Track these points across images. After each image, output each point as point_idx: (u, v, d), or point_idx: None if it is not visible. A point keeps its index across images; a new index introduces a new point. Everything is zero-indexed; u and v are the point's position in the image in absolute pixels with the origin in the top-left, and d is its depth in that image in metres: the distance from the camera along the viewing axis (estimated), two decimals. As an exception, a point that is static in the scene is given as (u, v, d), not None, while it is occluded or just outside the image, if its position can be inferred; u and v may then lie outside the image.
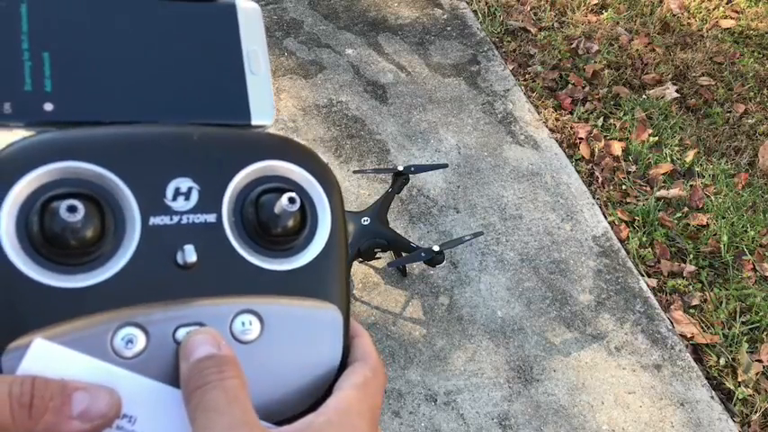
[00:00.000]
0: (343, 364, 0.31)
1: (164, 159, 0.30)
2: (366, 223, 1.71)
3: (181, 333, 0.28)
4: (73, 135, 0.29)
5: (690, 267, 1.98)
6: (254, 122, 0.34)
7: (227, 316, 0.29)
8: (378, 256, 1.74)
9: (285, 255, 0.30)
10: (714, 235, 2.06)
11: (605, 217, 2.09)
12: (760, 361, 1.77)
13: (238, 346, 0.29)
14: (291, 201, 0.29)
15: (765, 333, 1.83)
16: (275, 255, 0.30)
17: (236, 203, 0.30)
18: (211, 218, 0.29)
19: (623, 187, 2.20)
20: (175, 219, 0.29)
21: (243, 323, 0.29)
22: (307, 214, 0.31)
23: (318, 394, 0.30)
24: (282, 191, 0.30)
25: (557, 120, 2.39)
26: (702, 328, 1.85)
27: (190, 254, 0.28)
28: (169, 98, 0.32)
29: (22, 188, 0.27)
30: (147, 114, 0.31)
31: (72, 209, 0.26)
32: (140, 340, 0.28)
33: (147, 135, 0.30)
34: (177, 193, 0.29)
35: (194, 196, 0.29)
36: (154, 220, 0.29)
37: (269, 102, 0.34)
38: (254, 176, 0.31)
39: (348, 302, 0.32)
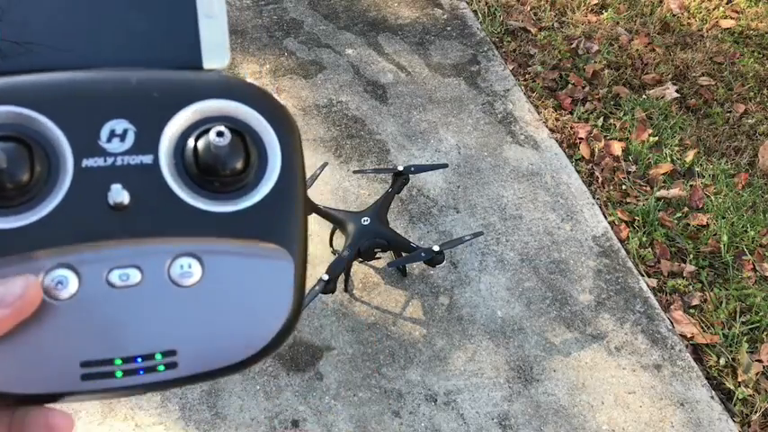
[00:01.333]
0: (298, 311, 0.30)
1: (99, 102, 0.29)
2: (366, 223, 1.71)
3: (114, 275, 0.27)
4: (4, 81, 0.29)
5: (690, 267, 1.98)
6: (205, 66, 0.32)
7: (163, 258, 0.28)
8: (378, 256, 1.74)
9: (230, 197, 0.29)
10: (714, 235, 2.06)
11: (605, 217, 2.09)
12: (760, 361, 1.77)
13: (178, 291, 0.28)
14: (219, 134, 0.28)
15: (765, 333, 1.83)
16: (219, 197, 0.29)
17: (177, 145, 0.29)
18: (147, 159, 0.29)
19: (623, 187, 2.20)
20: (109, 160, 0.28)
21: (182, 266, 0.28)
22: (251, 153, 0.30)
23: (261, 344, 0.29)
24: (222, 131, 0.29)
25: (557, 120, 2.39)
26: (702, 328, 1.85)
27: (118, 193, 0.28)
28: (117, 43, 0.31)
29: None
30: (94, 60, 0.31)
31: None
32: (72, 282, 0.27)
33: (83, 79, 0.30)
34: (112, 134, 0.29)
35: (130, 138, 0.29)
36: (87, 162, 0.28)
37: (222, 45, 0.33)
38: (197, 117, 0.30)
39: (304, 249, 0.31)
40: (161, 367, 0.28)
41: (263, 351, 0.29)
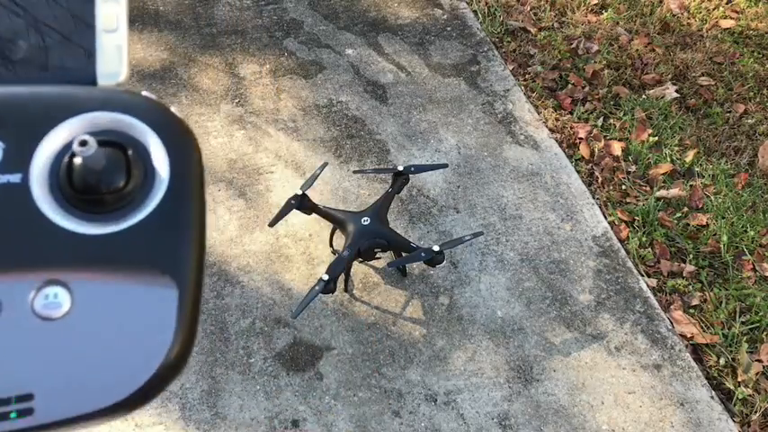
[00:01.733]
0: (186, 347, 0.26)
1: None
2: (366, 223, 1.71)
3: None
4: None
5: (690, 267, 1.98)
6: (100, 82, 0.30)
7: (27, 288, 0.25)
8: (378, 256, 1.74)
9: (110, 217, 0.26)
10: (714, 235, 2.06)
11: (605, 217, 2.09)
12: (760, 361, 1.77)
13: (42, 325, 0.25)
14: (83, 144, 0.25)
15: (765, 333, 1.83)
16: (97, 218, 0.26)
17: (54, 162, 0.27)
18: (15, 178, 0.26)
19: (623, 187, 2.20)
20: None
21: (47, 296, 0.25)
22: (134, 168, 0.27)
23: (134, 386, 0.25)
24: (101, 144, 0.26)
25: (557, 120, 2.39)
26: (702, 328, 1.85)
27: None
28: (15, 59, 0.29)
29: None
30: None
31: None
32: None
33: None
34: None
35: None
36: None
37: (120, 61, 0.31)
38: (76, 132, 0.27)
39: (196, 275, 0.27)
40: (13, 414, 0.25)
41: (138, 393, 0.25)
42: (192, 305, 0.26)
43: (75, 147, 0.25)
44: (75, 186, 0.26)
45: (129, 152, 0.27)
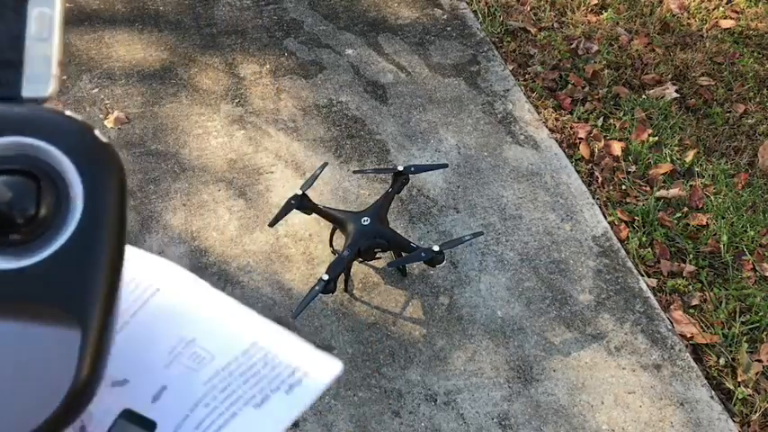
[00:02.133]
0: (89, 387, 0.25)
1: None
2: (366, 223, 1.71)
3: None
4: None
5: (690, 267, 1.98)
6: (24, 94, 0.28)
7: None
8: (378, 256, 1.74)
9: (15, 252, 0.25)
10: (714, 235, 2.06)
11: (605, 217, 2.09)
12: (760, 361, 1.77)
13: None
14: None
15: (765, 333, 1.83)
16: (3, 251, 0.24)
17: None
18: None
19: (623, 187, 2.20)
20: None
21: None
22: (44, 198, 0.25)
23: (32, 426, 0.24)
24: (7, 173, 0.25)
25: (556, 120, 2.39)
26: (702, 328, 1.85)
27: None
28: None
29: None
30: None
31: None
32: None
33: None
34: None
35: None
36: None
37: (49, 72, 0.28)
38: None
39: (103, 315, 0.25)
40: None
41: None
42: (95, 346, 0.25)
43: None
44: None
45: (41, 182, 0.25)
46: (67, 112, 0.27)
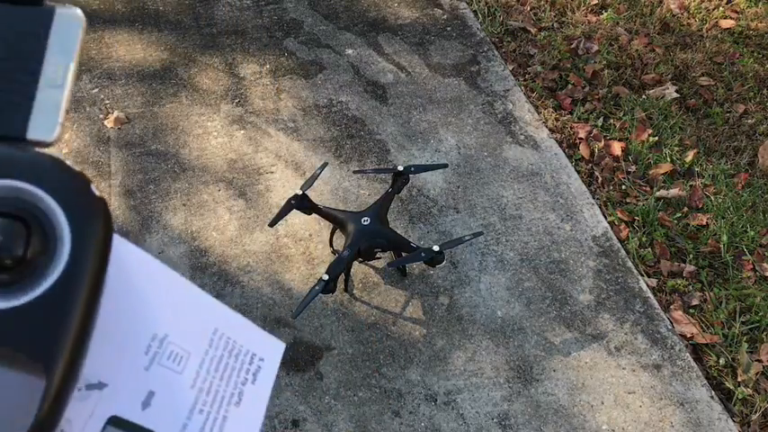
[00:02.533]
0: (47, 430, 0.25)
1: None
2: (366, 223, 1.71)
3: None
4: None
5: (690, 267, 1.98)
6: (29, 137, 0.28)
7: None
8: (378, 256, 1.74)
9: (1, 292, 0.25)
10: (714, 235, 2.06)
11: (605, 217, 2.09)
12: (760, 361, 1.77)
13: None
14: None
15: (765, 333, 1.83)
16: None
17: None
18: None
19: (623, 187, 2.20)
20: None
21: None
22: (33, 247, 0.26)
23: None
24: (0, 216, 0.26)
25: (556, 120, 2.39)
26: (702, 328, 1.85)
27: None
28: None
29: None
30: None
31: None
32: None
33: None
34: None
35: None
36: None
37: (56, 118, 0.29)
38: None
39: (71, 365, 0.26)
40: None
41: None
42: (59, 395, 0.26)
43: None
44: None
45: (32, 228, 0.26)
46: (68, 162, 0.27)
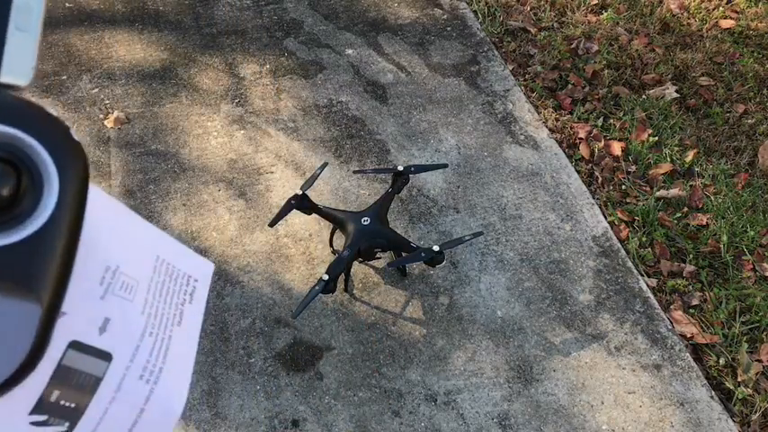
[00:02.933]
0: (43, 351, 0.28)
1: None
2: (366, 223, 1.71)
3: None
4: None
5: (690, 267, 1.98)
6: (3, 80, 0.29)
7: None
8: (378, 256, 1.74)
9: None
10: (714, 235, 2.06)
11: (605, 217, 2.09)
12: (760, 361, 1.77)
13: None
14: None
15: (765, 333, 1.83)
16: None
17: None
18: None
19: (623, 187, 2.20)
20: None
21: None
22: (22, 188, 0.27)
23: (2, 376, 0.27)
24: None
25: (556, 120, 2.39)
26: (702, 328, 1.85)
27: None
28: None
29: None
30: None
31: None
32: None
33: None
34: None
35: None
36: None
37: (28, 61, 0.30)
38: None
39: (57, 301, 0.29)
40: None
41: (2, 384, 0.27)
42: (49, 317, 0.28)
43: None
44: None
45: (21, 171, 0.28)
46: (48, 109, 0.28)
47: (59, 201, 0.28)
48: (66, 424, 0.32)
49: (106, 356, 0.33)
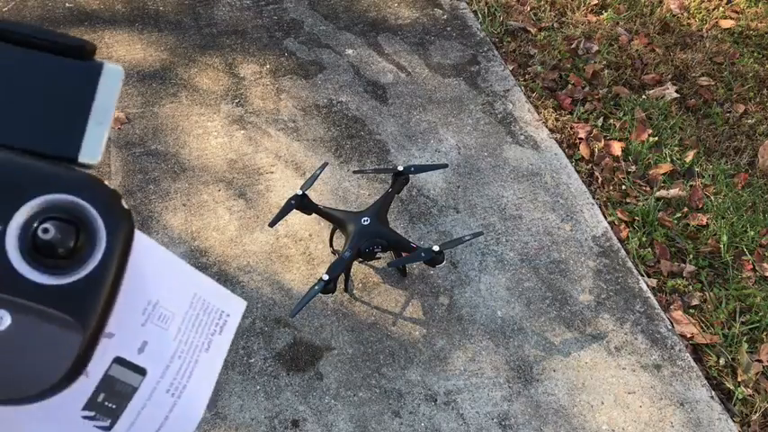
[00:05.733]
0: (76, 373, 0.36)
1: None
2: (366, 223, 1.71)
3: None
4: None
5: (689, 267, 1.98)
6: (80, 159, 0.39)
7: None
8: (378, 256, 1.74)
9: (56, 273, 0.36)
10: (714, 235, 2.06)
11: (605, 217, 2.09)
12: (760, 361, 1.77)
13: None
14: (45, 231, 0.36)
15: (765, 333, 1.83)
16: (47, 272, 0.36)
17: (23, 226, 0.36)
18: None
19: (623, 187, 2.20)
20: None
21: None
22: (80, 243, 0.37)
23: (20, 395, 0.35)
24: (60, 220, 0.37)
25: (557, 120, 2.39)
26: (702, 328, 1.85)
27: None
28: (9, 123, 0.38)
29: None
30: None
31: None
32: None
33: None
34: None
35: None
36: None
37: (100, 147, 0.40)
38: (47, 203, 0.37)
39: (98, 329, 0.37)
40: None
41: (47, 390, 0.35)
42: (88, 348, 0.37)
43: (40, 231, 0.35)
44: (35, 247, 0.36)
45: (80, 230, 0.37)
46: (105, 182, 0.38)
47: (105, 253, 0.37)
48: (109, 421, 0.42)
49: (142, 371, 0.43)
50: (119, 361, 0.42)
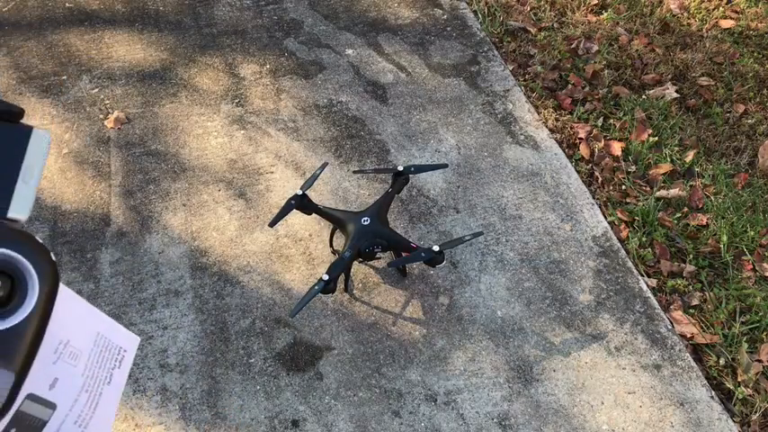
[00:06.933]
0: (11, 405, 0.39)
1: None
2: (366, 223, 1.71)
3: None
4: None
5: (689, 267, 1.98)
6: (9, 215, 0.42)
7: None
8: (378, 256, 1.74)
9: None
10: (714, 235, 2.06)
11: (605, 217, 2.09)
12: (760, 361, 1.77)
13: None
14: None
15: (765, 333, 1.83)
16: None
17: None
18: None
19: (623, 187, 2.20)
20: None
21: None
22: (13, 293, 0.40)
23: None
24: None
25: (557, 120, 2.39)
26: (702, 328, 1.85)
27: None
28: None
29: None
30: None
31: None
32: None
33: None
34: None
35: None
36: None
37: (28, 203, 0.43)
38: None
39: (26, 372, 0.40)
40: None
41: None
42: (17, 384, 0.40)
43: None
44: None
45: (14, 281, 0.40)
46: (36, 237, 0.41)
47: (38, 302, 0.41)
48: None
49: (52, 406, 0.45)
50: (31, 397, 0.44)
